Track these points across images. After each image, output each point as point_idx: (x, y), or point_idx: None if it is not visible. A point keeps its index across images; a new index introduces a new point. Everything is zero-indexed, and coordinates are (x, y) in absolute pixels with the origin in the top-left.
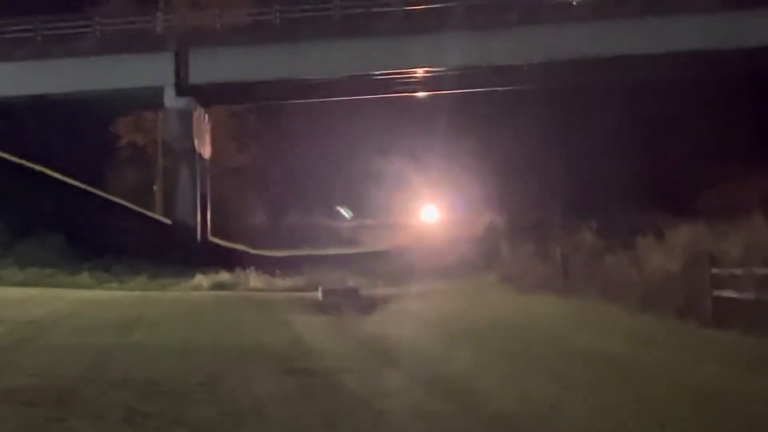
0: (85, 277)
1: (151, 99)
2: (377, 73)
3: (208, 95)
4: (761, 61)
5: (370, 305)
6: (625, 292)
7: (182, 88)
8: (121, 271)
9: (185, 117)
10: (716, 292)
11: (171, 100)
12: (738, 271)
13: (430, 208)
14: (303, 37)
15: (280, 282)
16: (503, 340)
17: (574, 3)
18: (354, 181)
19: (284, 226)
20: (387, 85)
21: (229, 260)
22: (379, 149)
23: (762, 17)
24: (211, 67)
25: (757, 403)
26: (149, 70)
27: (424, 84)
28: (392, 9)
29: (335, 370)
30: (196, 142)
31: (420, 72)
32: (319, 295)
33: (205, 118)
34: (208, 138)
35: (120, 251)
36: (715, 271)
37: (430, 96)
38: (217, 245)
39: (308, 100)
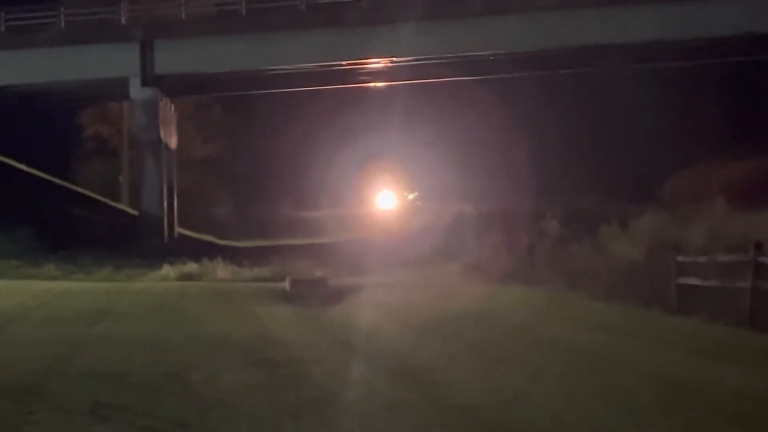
0: (51, 268)
1: (116, 90)
2: (343, 63)
3: (173, 86)
4: (723, 50)
5: (337, 295)
6: (591, 281)
7: (147, 78)
8: (87, 262)
9: (151, 108)
10: (680, 280)
11: (136, 90)
12: (702, 259)
13: (397, 198)
14: (269, 28)
15: (248, 272)
16: (470, 330)
17: None
18: (320, 170)
19: (252, 217)
20: (353, 75)
21: (196, 251)
22: (347, 139)
23: (722, 7)
24: (176, 57)
25: (721, 390)
26: (114, 61)
27: (389, 74)
28: None
29: (303, 360)
30: (162, 132)
31: (385, 62)
32: (287, 285)
33: (171, 108)
34: (174, 129)
35: (86, 243)
36: (679, 258)
37: (399, 85)
38: (184, 236)
39: (274, 91)
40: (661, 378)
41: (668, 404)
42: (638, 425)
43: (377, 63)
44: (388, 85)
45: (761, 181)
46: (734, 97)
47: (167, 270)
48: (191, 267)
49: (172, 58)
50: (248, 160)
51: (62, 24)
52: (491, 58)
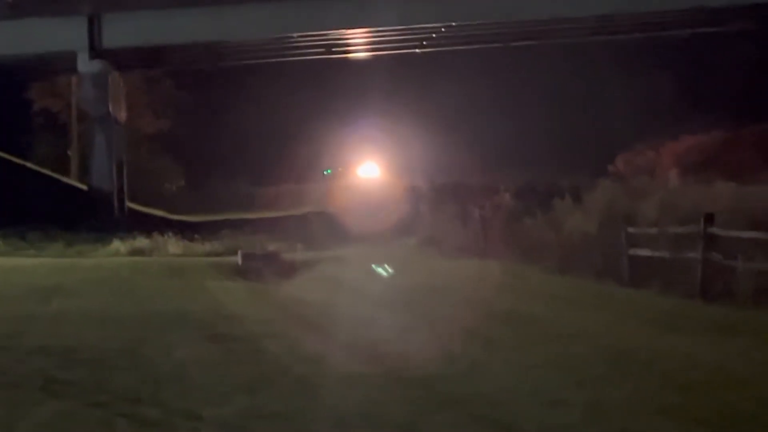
0: None
1: (64, 63)
2: (295, 35)
3: (123, 59)
4: (675, 23)
5: (290, 269)
6: (545, 254)
7: (96, 52)
8: (36, 238)
9: (100, 81)
10: (632, 252)
11: (85, 64)
12: (653, 231)
13: (351, 171)
14: (220, 0)
15: (199, 247)
16: (425, 303)
17: None
18: (274, 145)
19: (205, 191)
20: (304, 48)
21: (147, 226)
22: (302, 113)
23: None
24: (125, 30)
25: (671, 360)
26: (62, 34)
27: (341, 46)
28: None
29: (256, 335)
30: (111, 106)
31: (336, 34)
32: (239, 259)
33: (120, 82)
34: (123, 103)
35: (35, 218)
36: (630, 231)
37: (356, 59)
38: (134, 211)
39: (226, 64)
40: (614, 348)
41: (620, 374)
42: (591, 395)
43: (328, 35)
44: (346, 58)
45: (712, 153)
46: (687, 71)
47: (118, 245)
48: (142, 242)
49: (121, 31)
50: (201, 135)
51: None
52: (443, 30)
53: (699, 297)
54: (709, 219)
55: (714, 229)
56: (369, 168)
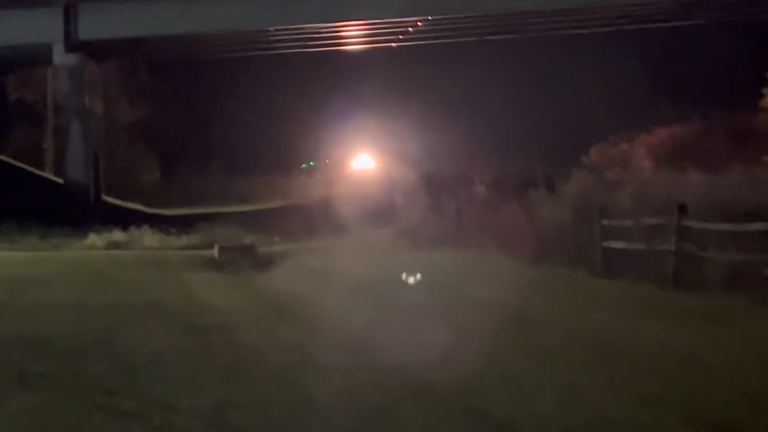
0: None
1: (40, 55)
2: (271, 29)
3: (98, 51)
4: (650, 16)
5: (266, 262)
6: (519, 244)
7: (72, 44)
8: (11, 231)
9: (75, 73)
10: (606, 243)
11: (60, 56)
12: (627, 222)
13: (341, 163)
14: None
15: (176, 240)
16: (399, 293)
17: None
18: (252, 137)
19: (181, 184)
20: (280, 41)
21: (123, 219)
22: (280, 104)
23: None
24: (101, 21)
25: (644, 348)
26: (37, 26)
27: (316, 40)
28: None
29: (232, 325)
30: (87, 99)
31: (311, 27)
32: (216, 252)
33: (96, 74)
34: (99, 95)
35: (10, 211)
36: (605, 222)
37: (327, 51)
38: (110, 204)
39: (203, 56)
40: (587, 337)
41: (593, 362)
42: (564, 383)
43: (303, 29)
44: (325, 52)
45: (685, 144)
46: (660, 63)
47: (94, 239)
48: (118, 235)
49: (97, 23)
50: (178, 126)
51: None
52: (419, 24)
53: (672, 287)
54: (683, 210)
55: (687, 220)
56: (363, 160)
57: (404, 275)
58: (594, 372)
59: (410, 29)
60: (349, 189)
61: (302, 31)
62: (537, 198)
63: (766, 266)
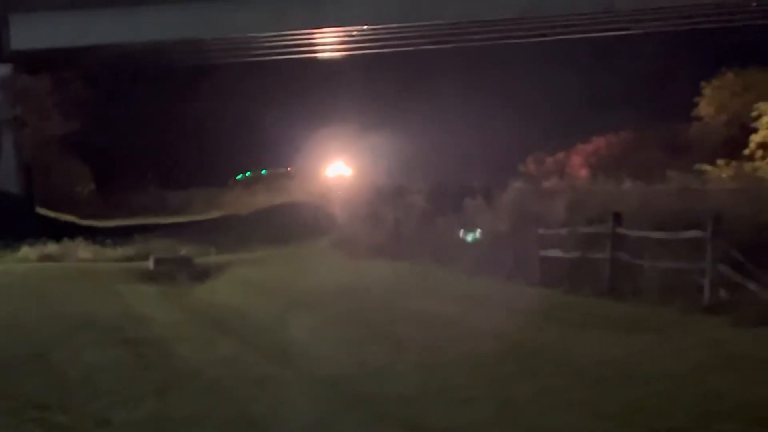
0: None
1: None
2: (209, 38)
3: (30, 62)
4: (585, 26)
5: (203, 273)
6: (456, 255)
7: (2, 54)
8: None
9: (6, 84)
10: (543, 252)
11: None
12: (563, 231)
13: (264, 173)
14: (130, 2)
15: (111, 252)
16: (336, 304)
17: None
18: (187, 148)
19: (116, 196)
20: (216, 50)
21: (57, 231)
22: (216, 115)
23: None
24: (34, 32)
25: (581, 357)
26: None
27: (237, 51)
28: None
29: (167, 339)
30: (18, 110)
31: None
32: (151, 264)
33: (29, 85)
34: (32, 106)
35: None
36: (541, 231)
37: (265, 61)
38: (44, 216)
39: (138, 66)
40: (524, 347)
41: (530, 372)
42: (501, 393)
43: (234, 39)
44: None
45: (620, 153)
46: (597, 74)
47: (27, 251)
48: (52, 248)
49: (28, 33)
50: (114, 138)
51: None
52: (364, 29)
53: (607, 295)
54: (617, 219)
55: (621, 229)
56: (336, 168)
57: (339, 286)
58: (530, 382)
59: (353, 35)
60: (288, 198)
61: (234, 41)
62: (474, 208)
63: (699, 274)
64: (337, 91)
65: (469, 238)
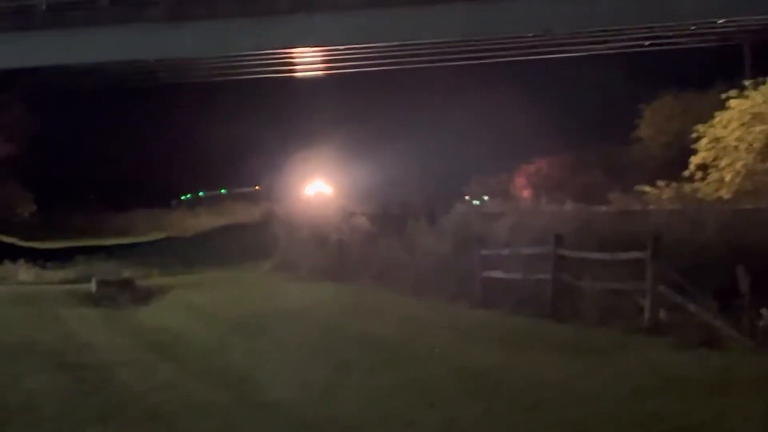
0: None
1: None
2: (151, 60)
3: None
4: (526, 48)
5: (145, 296)
6: (400, 277)
7: None
8: None
9: None
10: (485, 274)
11: None
12: (505, 252)
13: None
14: (68, 23)
15: (52, 275)
16: (279, 328)
17: None
18: (130, 170)
19: (57, 217)
20: (158, 72)
21: None
22: (158, 136)
23: (524, 6)
24: None
25: (522, 379)
26: None
27: (183, 72)
28: None
29: (109, 364)
30: None
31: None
32: (93, 287)
33: None
34: None
35: None
36: (483, 252)
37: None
38: None
39: (77, 87)
40: (465, 369)
41: (471, 395)
42: (443, 416)
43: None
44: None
45: (563, 175)
46: (539, 96)
47: None
48: None
49: None
50: (56, 160)
51: None
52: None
53: (549, 317)
54: (559, 240)
55: (563, 250)
56: (317, 186)
57: (282, 309)
58: (472, 405)
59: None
60: (233, 220)
61: (178, 63)
62: (417, 230)
63: (640, 295)
64: (299, 111)
65: None
